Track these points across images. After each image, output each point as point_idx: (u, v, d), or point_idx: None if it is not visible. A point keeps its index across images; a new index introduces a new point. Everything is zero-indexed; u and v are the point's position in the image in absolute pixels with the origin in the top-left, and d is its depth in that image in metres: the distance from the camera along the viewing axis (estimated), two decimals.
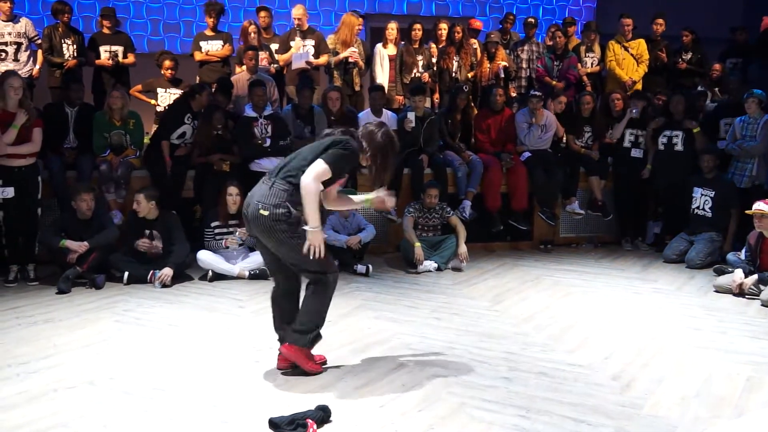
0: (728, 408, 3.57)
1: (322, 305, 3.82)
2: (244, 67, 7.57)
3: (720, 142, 7.37)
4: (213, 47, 7.87)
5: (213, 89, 7.28)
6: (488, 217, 7.36)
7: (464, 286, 5.97)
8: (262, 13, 8.07)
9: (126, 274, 5.74)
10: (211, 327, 4.75)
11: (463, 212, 7.12)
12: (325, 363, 3.99)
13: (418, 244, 6.41)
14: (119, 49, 7.66)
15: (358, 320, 4.95)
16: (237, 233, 6.14)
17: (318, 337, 3.86)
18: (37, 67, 7.46)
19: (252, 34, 7.74)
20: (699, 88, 8.19)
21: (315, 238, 3.61)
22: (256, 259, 6.09)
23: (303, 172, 3.61)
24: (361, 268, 6.26)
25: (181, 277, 5.93)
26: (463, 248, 6.51)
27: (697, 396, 3.70)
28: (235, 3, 10.24)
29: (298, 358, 3.82)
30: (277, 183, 3.66)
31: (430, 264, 6.42)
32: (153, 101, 7.69)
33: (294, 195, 3.62)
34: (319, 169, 3.59)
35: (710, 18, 9.84)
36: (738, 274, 5.68)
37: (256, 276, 6.01)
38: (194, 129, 6.88)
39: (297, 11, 7.94)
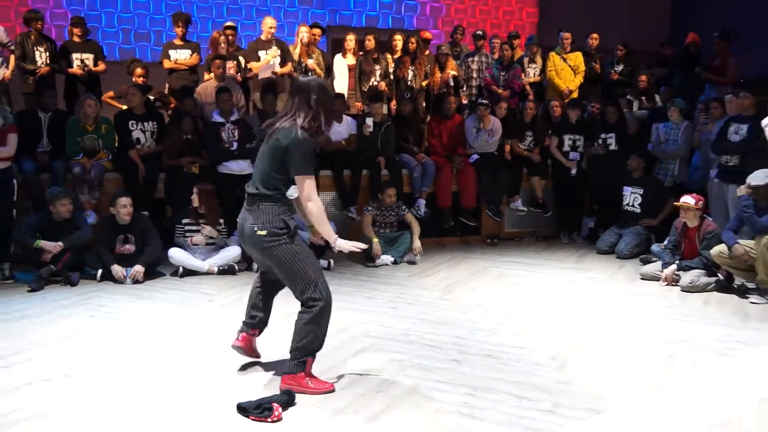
0: (653, 382, 3.70)
1: (314, 332, 3.43)
2: (212, 75, 7.51)
3: (649, 145, 7.60)
4: (181, 56, 7.78)
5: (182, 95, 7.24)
6: (440, 214, 7.45)
7: (418, 278, 6.03)
8: (228, 31, 8.01)
9: (99, 271, 5.65)
10: (182, 320, 4.72)
11: (418, 210, 7.20)
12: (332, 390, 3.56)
13: (375, 240, 6.46)
14: (90, 56, 7.52)
15: None
16: (203, 231, 6.09)
17: (303, 363, 3.47)
18: (9, 70, 7.23)
19: (222, 44, 7.70)
20: (628, 97, 8.41)
21: (342, 246, 3.44)
22: (224, 255, 6.07)
23: (278, 181, 3.33)
24: (322, 262, 6.26)
25: (152, 273, 5.86)
26: (417, 243, 6.59)
27: (626, 372, 3.83)
28: (204, 14, 10.15)
29: (297, 386, 3.46)
30: (263, 204, 3.35)
31: (387, 258, 6.48)
32: (125, 107, 7.56)
33: (282, 206, 3.36)
34: (308, 187, 3.31)
35: (639, 33, 10.09)
36: (668, 270, 5.85)
37: (224, 271, 5.98)
38: (144, 132, 6.78)
39: (272, 22, 7.91)
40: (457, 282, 5.89)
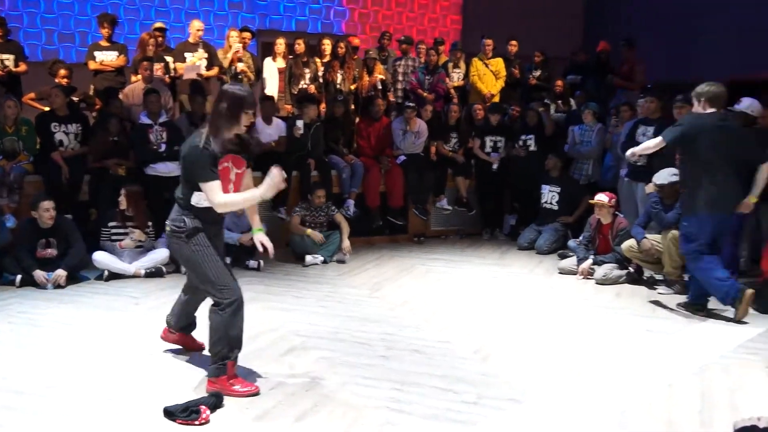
0: (570, 371, 3.77)
1: (224, 332, 3.31)
2: (139, 77, 7.23)
3: (565, 146, 7.80)
4: (107, 57, 7.44)
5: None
6: (369, 214, 7.42)
7: (347, 276, 5.97)
8: (157, 33, 7.73)
9: (19, 277, 5.31)
10: (107, 324, 4.49)
11: (347, 210, 7.15)
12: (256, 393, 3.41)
13: (309, 231, 6.42)
14: (10, 57, 7.08)
15: (250, 311, 4.71)
16: (132, 236, 5.84)
17: (222, 366, 3.35)
18: None
19: (150, 46, 7.42)
20: (545, 101, 8.61)
21: (274, 184, 3.18)
22: (152, 258, 5.83)
23: (185, 186, 3.34)
24: (252, 263, 6.13)
25: (76, 278, 5.53)
26: (346, 242, 6.53)
27: (545, 363, 3.89)
28: (131, 15, 9.76)
29: (220, 389, 3.33)
30: (176, 204, 3.42)
31: (316, 257, 6.39)
32: (47, 108, 7.17)
33: (185, 210, 3.34)
34: (208, 192, 3.21)
35: (555, 41, 10.32)
36: (583, 264, 6.01)
37: (152, 274, 5.74)
38: (68, 134, 6.43)
39: (199, 25, 7.70)
40: (385, 280, 5.86)
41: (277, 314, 4.75)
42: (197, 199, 3.31)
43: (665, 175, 5.55)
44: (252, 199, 3.33)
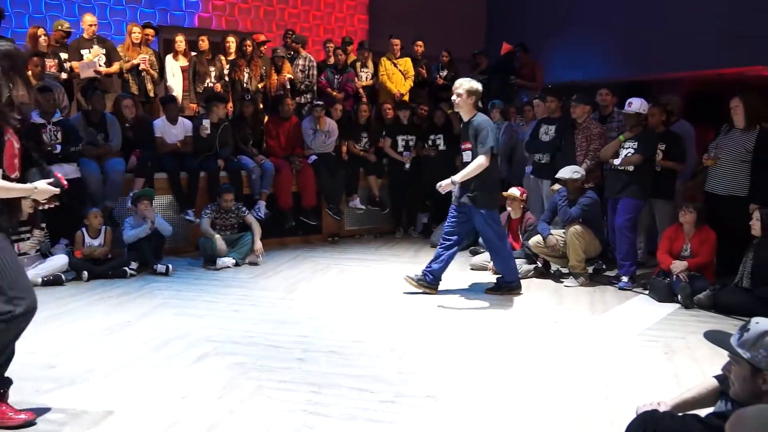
0: (483, 364, 3.85)
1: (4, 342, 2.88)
2: (30, 73, 6.76)
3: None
4: None
5: None
6: (281, 215, 7.31)
7: (261, 279, 5.85)
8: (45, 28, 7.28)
9: None
10: None
11: (258, 212, 7.01)
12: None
13: (218, 237, 6.22)
14: None
15: (159, 318, 4.63)
16: (32, 237, 5.47)
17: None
18: None
19: (41, 39, 6.96)
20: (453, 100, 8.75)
21: (39, 194, 2.88)
22: (51, 265, 5.49)
23: None
24: (161, 267, 5.88)
25: None
26: (258, 244, 6.41)
27: (458, 358, 3.95)
28: (19, 9, 9.12)
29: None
30: None
31: (228, 260, 6.22)
32: None
33: None
34: None
35: (459, 41, 10.51)
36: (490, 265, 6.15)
37: (49, 282, 5.39)
38: None
39: (92, 19, 7.32)
40: (300, 281, 5.79)
41: (188, 320, 4.58)
42: None
43: (568, 172, 5.79)
44: (23, 191, 2.85)
